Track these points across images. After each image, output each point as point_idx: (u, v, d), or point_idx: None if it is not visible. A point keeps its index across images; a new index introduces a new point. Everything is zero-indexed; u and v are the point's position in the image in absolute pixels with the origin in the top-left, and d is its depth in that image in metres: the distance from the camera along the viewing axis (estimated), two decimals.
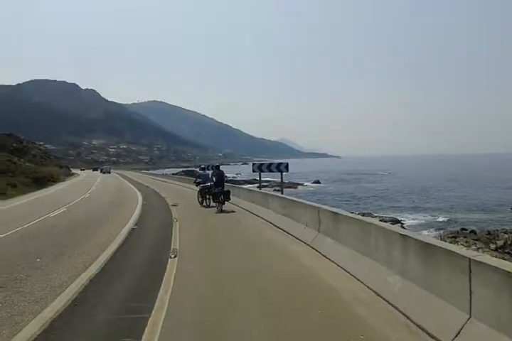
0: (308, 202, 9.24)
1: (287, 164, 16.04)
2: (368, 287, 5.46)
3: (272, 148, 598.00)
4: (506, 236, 35.58)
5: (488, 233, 38.46)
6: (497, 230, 39.02)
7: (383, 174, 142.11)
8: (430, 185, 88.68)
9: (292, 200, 10.32)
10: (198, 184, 18.80)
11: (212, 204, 17.00)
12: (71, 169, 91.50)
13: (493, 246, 34.29)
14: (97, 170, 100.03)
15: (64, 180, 54.80)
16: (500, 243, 34.79)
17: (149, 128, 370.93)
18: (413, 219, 49.22)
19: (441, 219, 49.97)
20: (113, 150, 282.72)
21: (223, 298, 5.61)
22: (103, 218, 15.17)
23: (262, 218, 13.03)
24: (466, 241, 34.10)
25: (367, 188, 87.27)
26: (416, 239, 4.63)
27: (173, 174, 75.92)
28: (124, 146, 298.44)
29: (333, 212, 7.33)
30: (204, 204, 18.13)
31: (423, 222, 48.09)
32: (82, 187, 38.26)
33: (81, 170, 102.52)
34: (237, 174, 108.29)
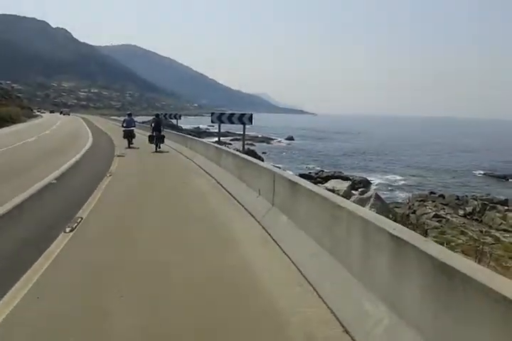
0: (262, 164, 7.01)
1: (251, 115, 13.67)
2: (332, 311, 3.35)
3: (248, 101, 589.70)
4: (475, 202, 35.00)
5: (457, 198, 37.81)
6: (466, 196, 38.35)
7: (357, 133, 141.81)
8: (402, 146, 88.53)
9: (245, 159, 8.08)
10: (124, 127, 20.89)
11: (134, 146, 20.10)
12: (35, 110, 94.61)
13: (461, 212, 33.65)
14: (53, 113, 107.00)
15: (24, 122, 51.40)
16: (469, 209, 34.07)
17: (122, 73, 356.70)
18: (382, 180, 48.77)
19: (410, 181, 49.64)
20: (84, 94, 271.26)
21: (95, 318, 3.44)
22: (27, 167, 12.71)
23: (212, 177, 10.83)
24: (435, 206, 33.21)
25: (339, 147, 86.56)
26: (423, 252, 2.49)
27: (143, 122, 72.56)
28: (96, 90, 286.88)
29: (291, 181, 5.23)
30: (128, 146, 20.07)
31: (392, 183, 47.72)
32: (37, 129, 35.21)
33: (37, 110, 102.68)
34: (209, 126, 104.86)
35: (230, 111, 15.20)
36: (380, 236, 2.98)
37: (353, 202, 11.96)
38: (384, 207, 10.75)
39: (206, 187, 9.89)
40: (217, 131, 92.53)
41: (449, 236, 24.13)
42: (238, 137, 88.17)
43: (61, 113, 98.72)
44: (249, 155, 39.90)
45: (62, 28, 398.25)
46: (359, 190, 12.65)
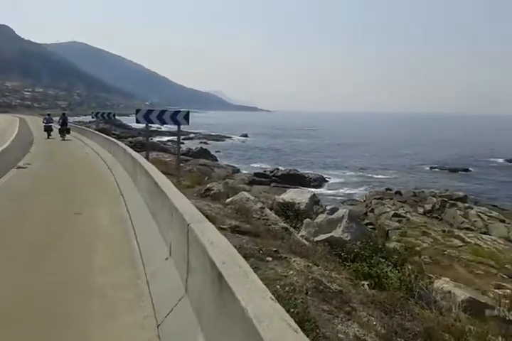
0: (174, 199, 3.89)
1: (187, 113, 10.69)
2: None
3: (201, 99, 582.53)
4: (435, 200, 33.80)
5: (414, 194, 36.64)
6: (423, 191, 37.37)
7: (311, 130, 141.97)
8: (357, 142, 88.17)
9: (156, 185, 5.05)
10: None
11: (52, 137, 26.53)
12: None
13: (421, 210, 32.24)
14: None
15: None
16: (428, 207, 32.75)
17: (69, 71, 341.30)
18: (337, 177, 47.59)
19: (365, 177, 49.09)
20: (28, 93, 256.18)
21: None
22: None
23: (124, 201, 7.69)
24: (393, 204, 31.58)
25: (294, 143, 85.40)
26: None
27: (89, 121, 68.51)
28: (41, 90, 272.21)
29: (213, 266, 2.29)
30: (47, 137, 26.53)
31: (347, 180, 46.63)
32: None
33: None
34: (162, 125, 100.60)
35: (183, 109, 12.13)
36: None
37: (321, 223, 9.39)
38: (360, 231, 8.14)
39: (106, 222, 6.55)
40: (170, 130, 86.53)
41: (412, 240, 22.31)
42: (191, 136, 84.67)
43: None
44: (201, 154, 36.59)
45: (3, 25, 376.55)
46: (327, 208, 10.01)
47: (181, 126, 11.26)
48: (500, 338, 5.47)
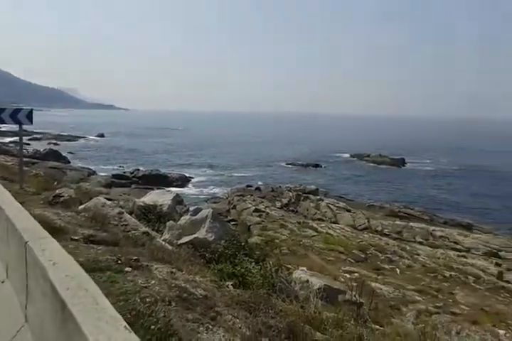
0: (11, 216, 3.23)
1: (31, 111, 9.56)
2: None
3: (52, 96, 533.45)
4: (290, 194, 36.29)
5: (272, 190, 39.04)
6: (280, 187, 39.98)
7: (174, 129, 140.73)
8: (219, 142, 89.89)
9: None
10: None
11: None
12: None
13: (278, 204, 34.42)
14: None
15: None
16: (285, 201, 35.14)
17: None
18: (200, 176, 48.12)
19: (226, 175, 50.38)
20: None
21: None
22: None
23: None
24: (254, 200, 33.16)
25: (154, 143, 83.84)
26: None
27: None
28: None
29: (59, 298, 1.85)
30: None
31: (210, 178, 47.50)
32: None
33: None
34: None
35: (27, 107, 10.74)
36: None
37: (185, 225, 9.22)
38: (224, 229, 8.19)
39: None
40: (12, 130, 77.71)
41: (272, 233, 23.56)
42: (38, 136, 77.29)
43: None
44: (50, 156, 33.62)
45: None
46: (190, 208, 9.84)
47: (25, 126, 10.07)
48: (352, 321, 5.86)
